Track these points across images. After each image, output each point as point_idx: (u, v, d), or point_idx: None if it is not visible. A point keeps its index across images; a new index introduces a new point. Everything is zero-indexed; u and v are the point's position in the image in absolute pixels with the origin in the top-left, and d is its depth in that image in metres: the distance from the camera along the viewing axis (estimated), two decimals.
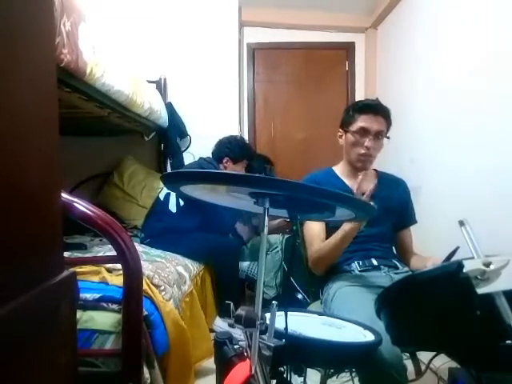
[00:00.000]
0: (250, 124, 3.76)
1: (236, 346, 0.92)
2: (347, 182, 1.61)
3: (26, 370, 0.52)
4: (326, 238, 1.52)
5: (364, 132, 1.52)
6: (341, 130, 1.62)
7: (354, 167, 1.59)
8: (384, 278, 1.44)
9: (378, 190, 1.60)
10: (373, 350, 1.03)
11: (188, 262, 2.21)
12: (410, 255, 1.61)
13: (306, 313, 1.26)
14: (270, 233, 2.61)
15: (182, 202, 2.50)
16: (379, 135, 1.53)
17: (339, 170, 1.65)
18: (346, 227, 1.39)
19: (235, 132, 3.14)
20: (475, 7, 2.12)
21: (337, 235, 1.42)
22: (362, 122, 1.53)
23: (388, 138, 1.57)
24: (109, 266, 1.55)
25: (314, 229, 1.53)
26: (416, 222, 1.66)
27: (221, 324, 2.26)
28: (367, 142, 1.51)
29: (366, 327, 1.10)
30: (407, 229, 1.64)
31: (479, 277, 0.74)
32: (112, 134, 3.04)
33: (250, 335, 0.82)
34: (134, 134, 2.98)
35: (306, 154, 3.68)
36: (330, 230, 1.52)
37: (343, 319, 1.18)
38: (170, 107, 3.04)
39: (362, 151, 1.53)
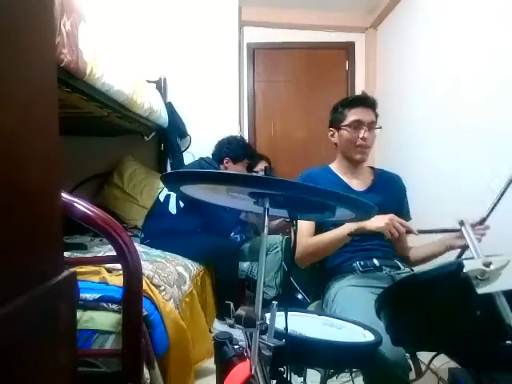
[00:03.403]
0: (250, 124, 3.75)
1: (236, 346, 0.92)
2: (343, 177, 1.62)
3: (26, 371, 0.52)
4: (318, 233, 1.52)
5: (358, 124, 1.54)
6: (332, 128, 1.63)
7: (351, 162, 1.60)
8: (385, 278, 1.44)
9: (376, 186, 1.61)
10: (373, 350, 1.03)
11: (188, 262, 2.21)
12: (407, 250, 1.62)
13: (305, 313, 1.26)
14: (269, 233, 2.61)
15: (181, 204, 2.50)
16: (372, 126, 1.55)
17: (335, 166, 1.66)
18: (348, 228, 1.37)
19: (235, 132, 3.14)
20: (475, 7, 2.12)
21: (336, 232, 1.41)
22: (353, 115, 1.55)
23: (380, 127, 1.59)
24: (109, 266, 1.55)
25: (304, 225, 1.53)
26: (410, 218, 1.66)
27: (219, 327, 2.26)
28: (363, 133, 1.53)
29: (365, 327, 1.10)
30: None
31: (479, 277, 0.75)
32: (112, 134, 3.04)
33: (249, 335, 0.82)
34: (134, 134, 2.99)
35: (306, 154, 3.68)
36: (324, 228, 1.52)
37: (343, 319, 1.18)
38: (170, 107, 3.04)
39: (359, 142, 1.54)
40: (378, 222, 1.29)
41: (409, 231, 1.30)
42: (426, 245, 1.55)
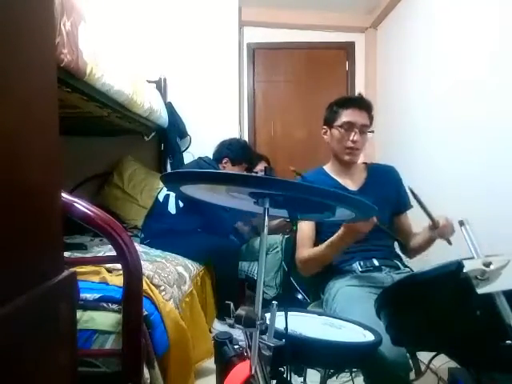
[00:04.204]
0: (250, 124, 3.75)
1: (236, 346, 0.92)
2: (337, 178, 1.62)
3: (26, 371, 0.52)
4: (321, 239, 1.53)
5: (349, 126, 1.53)
6: (325, 126, 1.62)
7: (342, 162, 1.60)
8: (385, 278, 1.44)
9: (370, 182, 1.61)
10: (373, 350, 1.03)
11: (188, 262, 2.21)
12: (412, 237, 1.61)
13: (306, 313, 1.26)
14: (269, 233, 2.61)
15: (181, 204, 2.50)
16: (364, 129, 1.54)
17: (329, 168, 1.66)
18: (338, 242, 1.38)
19: (235, 132, 3.14)
20: (475, 6, 2.12)
21: (330, 244, 1.41)
22: (346, 116, 1.54)
23: (372, 132, 1.58)
24: (109, 265, 1.55)
25: (304, 230, 1.53)
26: (411, 206, 1.64)
27: (219, 327, 2.26)
28: (353, 136, 1.52)
29: (366, 327, 1.10)
30: (404, 214, 1.63)
31: (479, 277, 0.75)
32: (112, 134, 3.04)
33: (249, 335, 0.82)
34: (134, 134, 2.98)
35: (306, 154, 3.67)
36: (324, 231, 1.53)
37: (343, 319, 1.18)
38: (170, 107, 3.04)
39: (349, 145, 1.53)
40: (353, 236, 1.34)
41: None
42: (419, 232, 1.55)
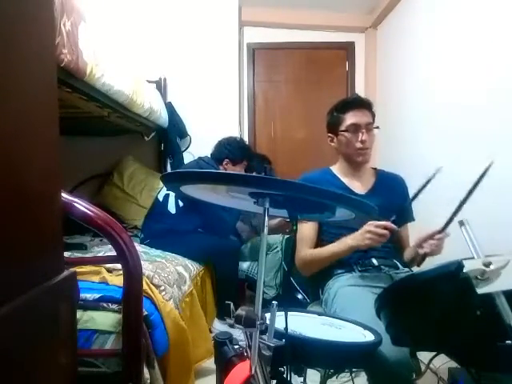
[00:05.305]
0: (250, 124, 3.76)
1: (236, 346, 0.92)
2: (345, 180, 1.61)
3: (26, 371, 0.52)
4: (320, 239, 1.53)
5: (355, 128, 1.52)
6: (330, 134, 1.62)
7: (352, 164, 1.59)
8: (384, 277, 1.44)
9: (379, 187, 1.60)
10: (373, 350, 1.03)
11: (188, 262, 2.21)
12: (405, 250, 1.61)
13: (305, 313, 1.26)
14: (269, 233, 2.61)
15: (181, 204, 2.49)
16: (369, 127, 1.54)
17: (337, 169, 1.65)
18: (346, 246, 1.40)
19: (235, 132, 3.14)
20: (475, 6, 2.12)
21: (335, 249, 1.43)
22: (349, 119, 1.53)
23: (378, 127, 1.58)
24: (109, 266, 1.55)
25: (306, 229, 1.53)
26: (413, 219, 1.65)
27: (219, 327, 2.26)
28: (361, 136, 1.52)
29: (365, 327, 1.10)
30: (404, 226, 1.63)
31: (479, 277, 0.75)
32: (112, 134, 3.05)
33: (249, 335, 0.82)
34: (134, 134, 2.99)
35: (306, 154, 3.68)
36: (325, 231, 1.53)
37: (343, 319, 1.18)
38: (170, 107, 3.04)
39: (358, 146, 1.53)
40: (363, 239, 1.34)
41: (390, 228, 1.32)
42: (410, 248, 1.56)
